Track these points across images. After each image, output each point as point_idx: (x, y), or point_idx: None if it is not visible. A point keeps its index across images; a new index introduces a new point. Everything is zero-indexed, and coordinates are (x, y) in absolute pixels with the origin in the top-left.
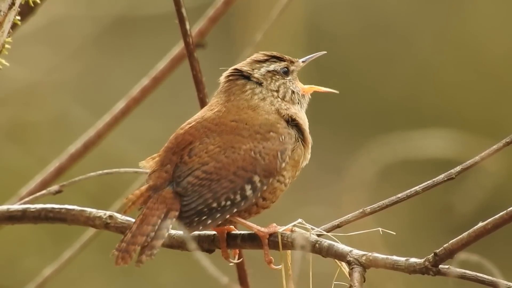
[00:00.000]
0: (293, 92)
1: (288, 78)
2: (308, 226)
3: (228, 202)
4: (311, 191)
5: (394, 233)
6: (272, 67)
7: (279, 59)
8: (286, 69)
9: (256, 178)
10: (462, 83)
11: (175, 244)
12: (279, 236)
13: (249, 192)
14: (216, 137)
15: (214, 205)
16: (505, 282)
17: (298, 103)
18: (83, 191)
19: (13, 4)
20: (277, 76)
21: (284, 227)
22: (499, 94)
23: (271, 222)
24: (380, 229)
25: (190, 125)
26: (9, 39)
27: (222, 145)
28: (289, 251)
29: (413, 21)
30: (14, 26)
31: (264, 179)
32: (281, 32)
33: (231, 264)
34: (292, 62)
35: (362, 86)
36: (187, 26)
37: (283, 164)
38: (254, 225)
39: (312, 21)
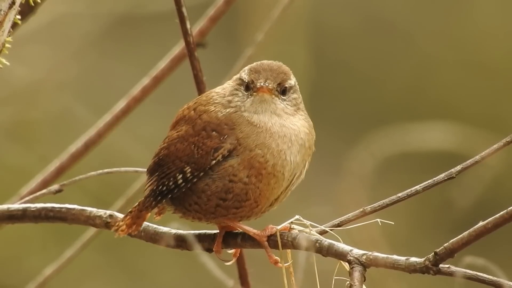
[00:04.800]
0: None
1: (242, 90)
2: (306, 222)
3: (164, 188)
4: (309, 187)
5: (393, 223)
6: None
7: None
8: (247, 85)
9: (187, 169)
10: (462, 78)
11: (175, 244)
12: (278, 236)
13: (180, 181)
14: (183, 125)
15: (154, 187)
16: (506, 282)
17: (244, 110)
18: (83, 191)
19: (13, 3)
20: (241, 86)
21: (282, 225)
22: (499, 89)
23: (270, 221)
24: (379, 220)
25: (188, 105)
26: (9, 39)
27: (180, 135)
28: (289, 250)
29: (414, 17)
30: (14, 25)
31: (195, 171)
32: (282, 31)
33: (228, 264)
34: (253, 82)
35: (363, 81)
36: (188, 26)
37: (213, 162)
38: (250, 229)
39: (313, 19)
